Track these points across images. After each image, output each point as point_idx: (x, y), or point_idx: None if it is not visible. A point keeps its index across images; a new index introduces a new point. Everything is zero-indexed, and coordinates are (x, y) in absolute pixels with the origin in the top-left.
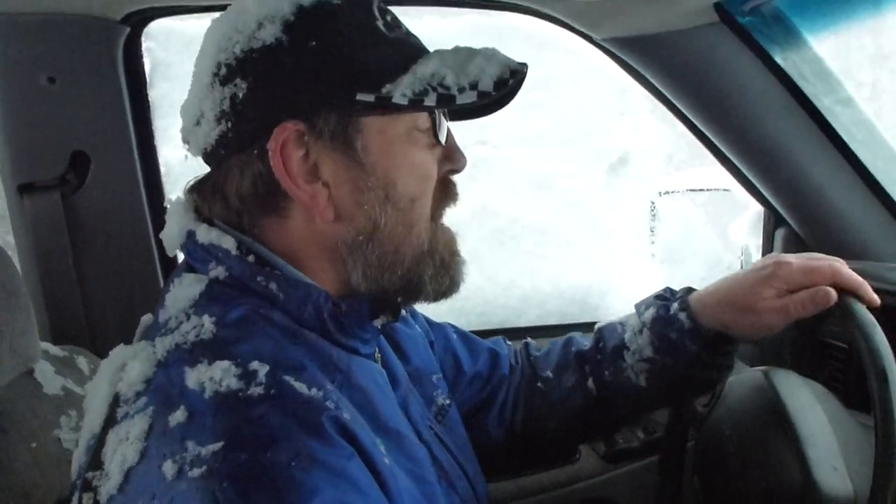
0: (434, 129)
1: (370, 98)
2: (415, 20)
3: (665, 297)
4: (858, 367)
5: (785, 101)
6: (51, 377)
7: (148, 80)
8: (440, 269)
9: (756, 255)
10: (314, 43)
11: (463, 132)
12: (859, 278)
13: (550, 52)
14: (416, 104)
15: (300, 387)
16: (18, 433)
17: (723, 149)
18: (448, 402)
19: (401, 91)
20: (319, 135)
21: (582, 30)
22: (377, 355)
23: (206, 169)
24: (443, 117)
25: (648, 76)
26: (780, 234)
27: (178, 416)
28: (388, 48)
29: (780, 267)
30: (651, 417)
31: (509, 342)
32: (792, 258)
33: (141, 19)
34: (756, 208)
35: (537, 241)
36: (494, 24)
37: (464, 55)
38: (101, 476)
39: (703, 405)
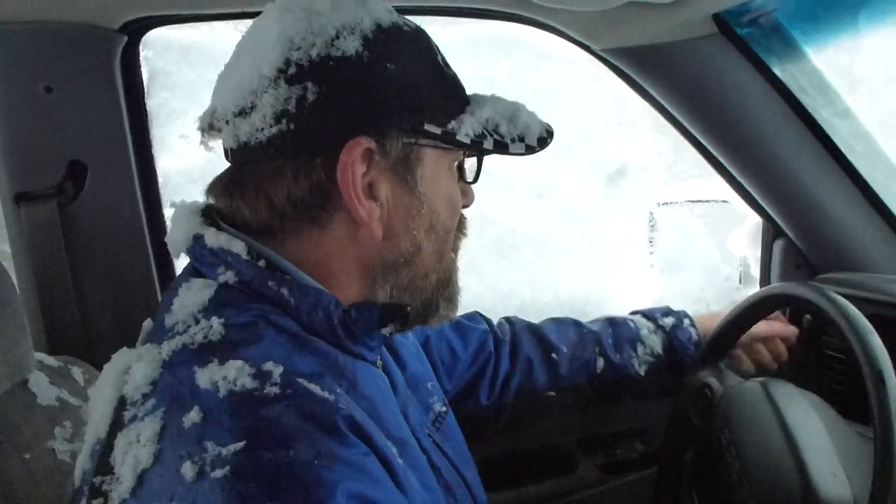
0: (461, 168)
1: (437, 130)
2: None
3: (675, 313)
4: (857, 377)
5: (783, 112)
6: (45, 388)
7: (145, 89)
8: (450, 297)
9: (754, 267)
10: (391, 65)
11: None
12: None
13: (550, 62)
14: (476, 145)
15: (314, 388)
16: (12, 444)
17: (721, 160)
18: (445, 409)
19: (465, 130)
20: (386, 156)
21: (581, 40)
22: (378, 362)
23: (206, 177)
24: (478, 160)
25: (647, 87)
26: (778, 246)
27: (193, 416)
28: (448, 84)
29: None
30: (649, 429)
31: (484, 315)
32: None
33: (138, 28)
34: (755, 220)
35: (537, 251)
36: (495, 34)
37: (509, 107)
38: (111, 480)
39: (699, 418)
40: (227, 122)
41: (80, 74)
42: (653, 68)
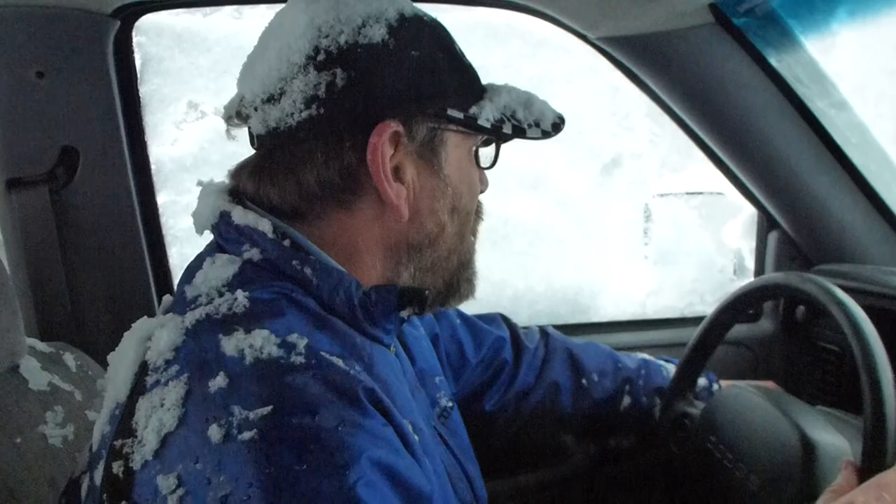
0: (477, 153)
1: (459, 115)
2: None
3: (709, 374)
4: (849, 369)
5: (779, 103)
6: (37, 373)
7: (138, 75)
8: (468, 279)
9: (749, 259)
10: (416, 53)
11: None
12: None
13: (545, 51)
14: (496, 130)
15: (337, 360)
16: (3, 428)
17: (716, 150)
18: (451, 404)
19: (485, 115)
20: (412, 139)
21: (577, 28)
22: (392, 349)
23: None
24: (496, 145)
25: (642, 76)
26: (772, 237)
27: (219, 381)
28: (467, 72)
29: None
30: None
31: (510, 320)
32: None
33: (132, 14)
34: (749, 211)
35: (530, 241)
36: (490, 22)
37: (523, 94)
38: (132, 443)
39: (679, 447)
40: (256, 109)
41: (72, 60)
42: (648, 57)
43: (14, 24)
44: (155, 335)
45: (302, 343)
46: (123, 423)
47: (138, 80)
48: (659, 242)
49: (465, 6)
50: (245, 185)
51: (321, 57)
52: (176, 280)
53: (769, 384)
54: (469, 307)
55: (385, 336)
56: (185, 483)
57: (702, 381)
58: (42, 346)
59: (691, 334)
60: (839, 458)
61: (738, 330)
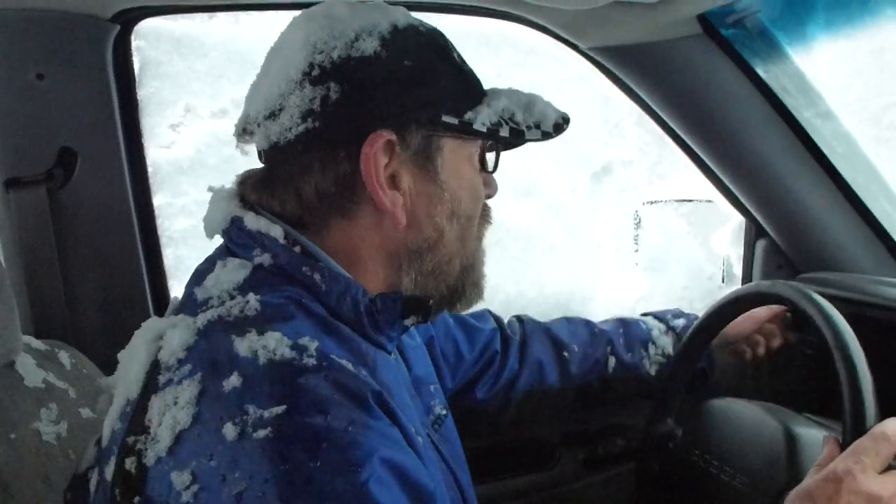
0: (482, 156)
1: (454, 121)
2: None
3: (687, 315)
4: (832, 376)
5: (766, 113)
6: (32, 370)
7: (137, 78)
8: (474, 283)
9: (737, 266)
10: (408, 62)
11: None
12: None
13: (536, 59)
14: (493, 134)
15: (346, 363)
16: None
17: (705, 159)
18: (445, 412)
19: (481, 120)
20: (406, 147)
21: (568, 38)
22: (393, 356)
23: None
24: (498, 149)
25: (632, 85)
26: (760, 246)
27: (233, 381)
28: (464, 78)
29: None
30: (630, 425)
31: (495, 314)
32: None
33: (131, 18)
34: (738, 220)
35: (522, 247)
36: (481, 31)
37: (525, 97)
38: (145, 440)
39: (661, 467)
40: (259, 125)
41: (72, 62)
42: (638, 67)
43: (15, 27)
44: (167, 335)
45: (313, 346)
46: (136, 420)
47: (136, 84)
48: (649, 249)
49: (457, 15)
50: (249, 195)
51: (316, 72)
52: (170, 281)
53: None
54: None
55: (388, 343)
56: (200, 479)
57: (681, 321)
58: (37, 343)
59: None
60: (821, 447)
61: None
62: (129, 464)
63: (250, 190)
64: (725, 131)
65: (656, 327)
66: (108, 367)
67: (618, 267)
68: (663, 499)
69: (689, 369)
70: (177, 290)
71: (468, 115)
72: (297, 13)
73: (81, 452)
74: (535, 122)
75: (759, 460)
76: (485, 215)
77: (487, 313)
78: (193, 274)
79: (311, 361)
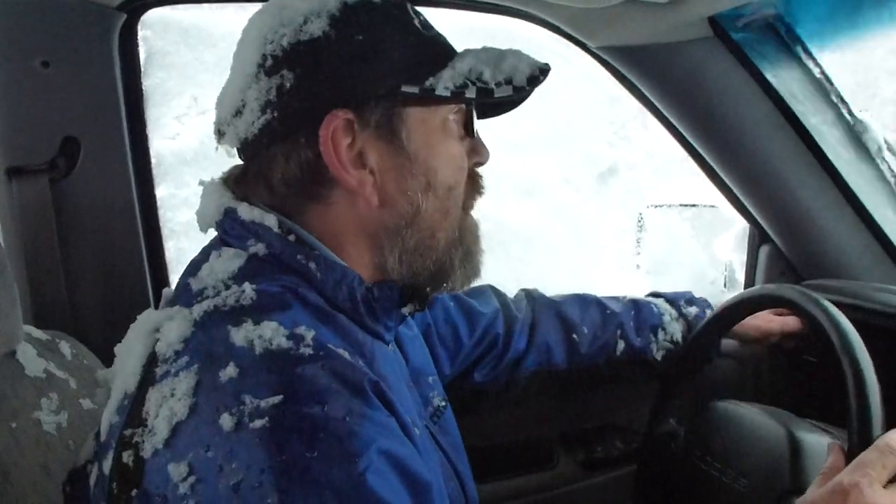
0: (467, 122)
1: (414, 90)
2: None
3: (698, 300)
4: (834, 383)
5: (774, 118)
6: (33, 359)
7: (142, 68)
8: (466, 256)
9: (739, 271)
10: (360, 37)
11: None
12: None
13: (543, 57)
14: (457, 96)
15: (343, 353)
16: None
17: (711, 162)
18: (444, 403)
19: (443, 84)
20: (367, 124)
21: (577, 36)
22: (390, 347)
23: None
24: (473, 112)
25: (640, 86)
26: (763, 251)
27: (230, 371)
28: (426, 45)
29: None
30: (630, 427)
31: (498, 290)
32: None
33: (138, 7)
34: (742, 225)
35: (524, 247)
36: (487, 27)
37: (496, 54)
38: (142, 432)
39: (662, 467)
40: (228, 125)
41: (77, 51)
42: (647, 68)
43: (23, 14)
44: (164, 327)
45: (310, 335)
46: (133, 412)
47: (142, 74)
48: (652, 252)
49: (465, 11)
50: (235, 191)
51: (269, 63)
52: (172, 273)
53: None
54: None
55: (386, 333)
56: (197, 470)
57: (693, 310)
58: (38, 333)
59: None
60: (825, 453)
61: (726, 343)
62: (127, 457)
63: (234, 186)
64: (732, 135)
65: (668, 312)
66: (109, 358)
67: (620, 269)
68: (663, 501)
69: (692, 370)
70: None
71: (429, 82)
72: None
73: (81, 443)
74: (505, 78)
75: (761, 463)
76: (474, 185)
77: (490, 291)
78: (189, 265)
79: (308, 351)
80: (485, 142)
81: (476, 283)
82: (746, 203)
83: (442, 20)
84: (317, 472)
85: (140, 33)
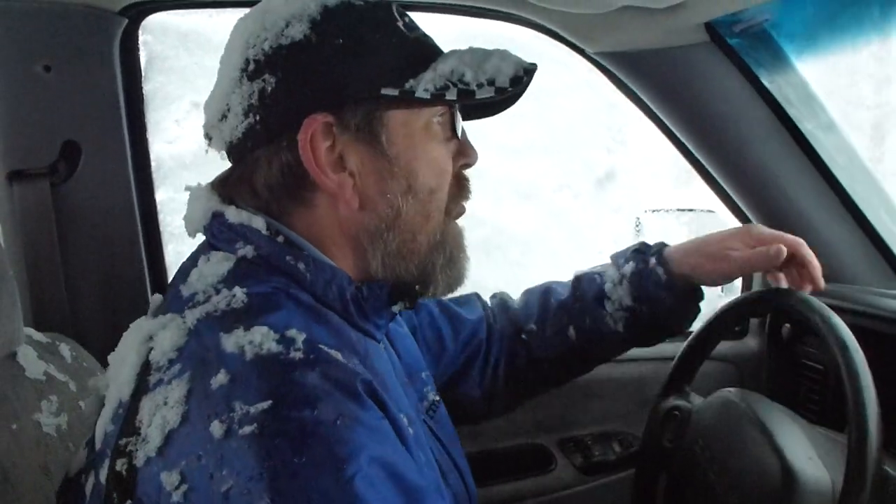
0: (451, 124)
1: (394, 92)
2: None
3: (642, 252)
4: (832, 387)
5: (770, 123)
6: (33, 362)
7: (143, 73)
8: (449, 262)
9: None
10: (340, 40)
11: None
12: (815, 259)
13: (542, 63)
14: (438, 98)
15: (335, 354)
16: (0, 413)
17: (708, 167)
18: (438, 398)
19: (423, 86)
20: (346, 127)
21: (575, 42)
22: (381, 345)
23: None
24: (458, 114)
25: (637, 91)
26: None
27: (220, 378)
28: (409, 46)
29: (752, 227)
30: (627, 432)
31: (483, 299)
32: (762, 226)
33: (139, 12)
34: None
35: (523, 251)
36: (486, 33)
37: (480, 55)
38: (136, 441)
39: (670, 440)
40: (215, 129)
41: (79, 55)
42: (644, 73)
43: (24, 18)
44: (158, 336)
45: (300, 338)
46: (127, 422)
47: (143, 78)
48: None
49: (464, 17)
50: (222, 194)
51: (251, 67)
52: (171, 276)
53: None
54: None
55: (376, 331)
56: (189, 479)
57: (629, 267)
58: (39, 335)
59: (678, 348)
60: (819, 494)
61: (724, 347)
62: (121, 465)
63: (220, 190)
64: (729, 140)
65: (610, 278)
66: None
67: None
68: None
69: (689, 376)
70: None
71: (409, 84)
72: None
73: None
74: (487, 80)
75: (752, 488)
76: (461, 188)
77: (475, 298)
78: (178, 271)
79: (298, 354)
80: (481, 147)
81: (476, 285)
82: (743, 207)
83: (446, 27)
84: (304, 478)
85: (140, 38)
